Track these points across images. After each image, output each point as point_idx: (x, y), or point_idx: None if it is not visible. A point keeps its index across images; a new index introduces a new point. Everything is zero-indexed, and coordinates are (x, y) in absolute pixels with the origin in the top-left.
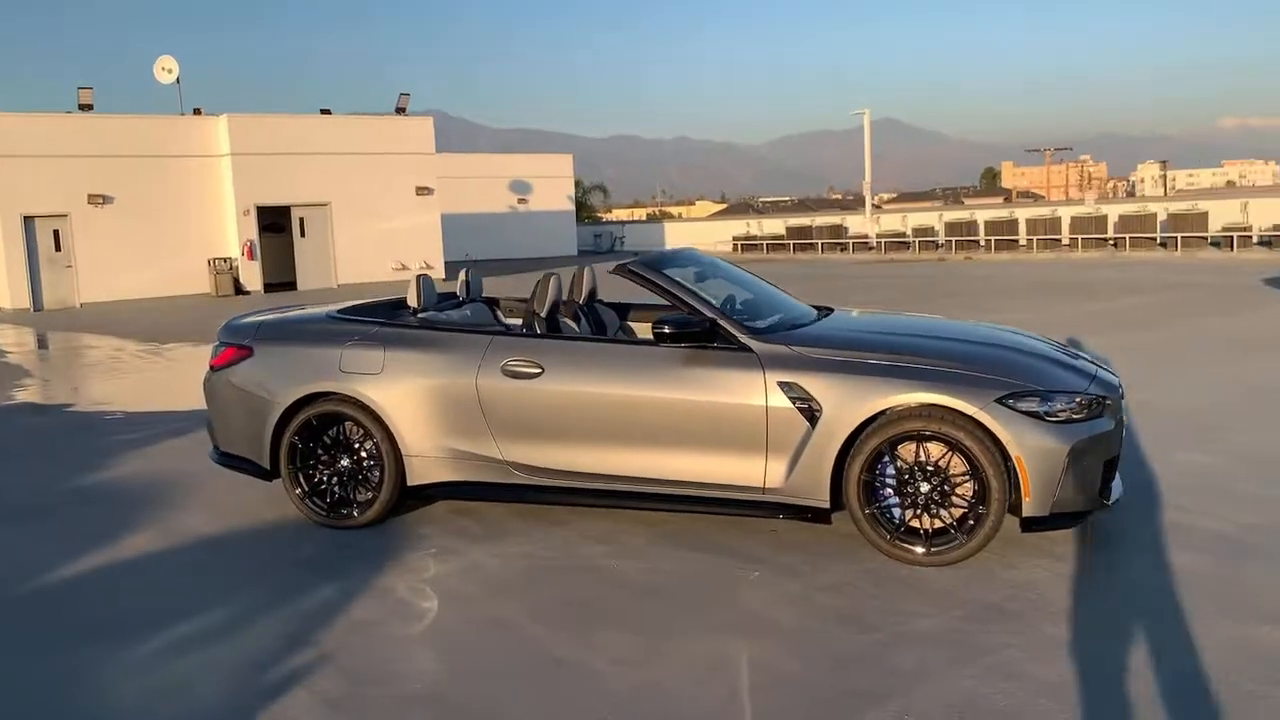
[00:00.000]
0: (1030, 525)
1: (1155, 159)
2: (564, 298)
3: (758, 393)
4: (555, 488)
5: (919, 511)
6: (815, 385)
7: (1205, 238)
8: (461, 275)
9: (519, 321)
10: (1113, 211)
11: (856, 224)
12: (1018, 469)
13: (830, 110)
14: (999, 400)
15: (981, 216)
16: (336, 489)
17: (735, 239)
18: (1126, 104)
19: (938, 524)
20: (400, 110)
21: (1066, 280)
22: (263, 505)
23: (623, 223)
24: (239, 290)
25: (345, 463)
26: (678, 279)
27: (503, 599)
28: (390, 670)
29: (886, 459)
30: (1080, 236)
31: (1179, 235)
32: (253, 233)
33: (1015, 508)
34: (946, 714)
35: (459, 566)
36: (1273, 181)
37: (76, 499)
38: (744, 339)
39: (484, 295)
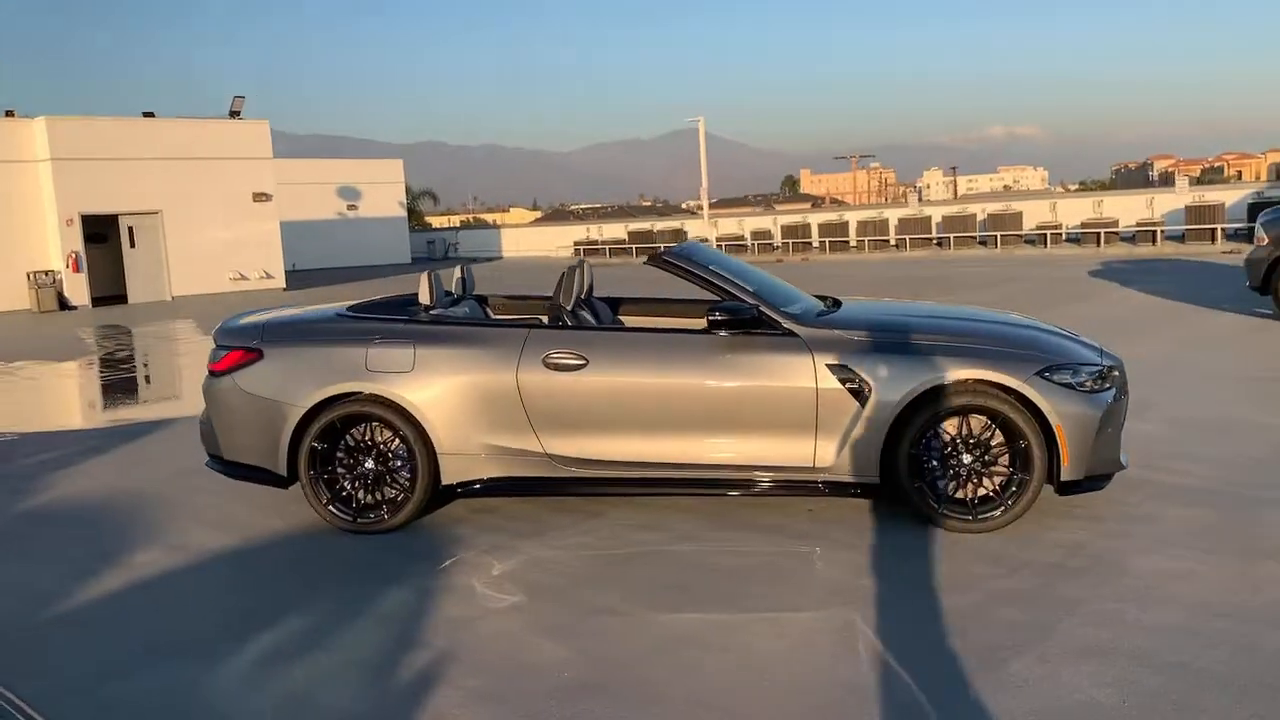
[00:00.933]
0: (1067, 489)
1: (935, 166)
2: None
3: (807, 375)
4: (600, 479)
5: (964, 481)
6: (863, 366)
7: (1021, 235)
8: (457, 272)
9: (507, 318)
10: (936, 213)
11: (696, 228)
12: (1057, 437)
13: (638, 119)
14: (1038, 374)
15: (814, 220)
16: (361, 493)
17: (577, 244)
18: (906, 115)
19: (982, 492)
20: (234, 114)
21: (909, 276)
22: (258, 514)
23: (456, 229)
24: (64, 305)
25: (370, 465)
26: (713, 268)
27: (592, 588)
28: (525, 663)
29: (931, 433)
30: (908, 237)
31: (998, 234)
32: (77, 243)
33: (1051, 474)
34: (1084, 658)
35: (522, 561)
36: (1042, 185)
37: (37, 523)
38: (788, 324)
39: (475, 293)
